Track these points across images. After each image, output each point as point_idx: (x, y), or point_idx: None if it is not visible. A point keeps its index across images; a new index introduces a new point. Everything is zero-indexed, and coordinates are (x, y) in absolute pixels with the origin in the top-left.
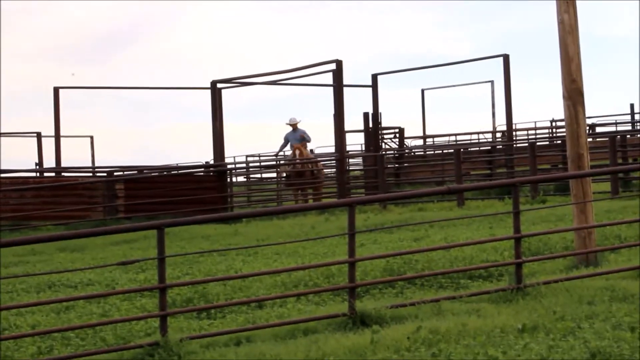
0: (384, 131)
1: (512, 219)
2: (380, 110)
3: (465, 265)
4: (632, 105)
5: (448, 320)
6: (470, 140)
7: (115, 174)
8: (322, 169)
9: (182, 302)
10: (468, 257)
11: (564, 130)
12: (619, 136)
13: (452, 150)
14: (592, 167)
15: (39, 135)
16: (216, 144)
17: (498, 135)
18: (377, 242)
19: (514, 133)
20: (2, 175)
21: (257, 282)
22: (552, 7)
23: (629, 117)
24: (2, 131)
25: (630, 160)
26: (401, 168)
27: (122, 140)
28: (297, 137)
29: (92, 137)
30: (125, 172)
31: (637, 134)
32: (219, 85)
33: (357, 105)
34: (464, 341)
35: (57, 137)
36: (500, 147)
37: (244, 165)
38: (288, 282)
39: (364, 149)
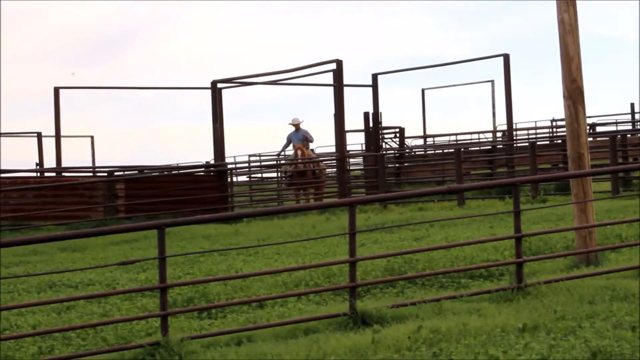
0: (385, 131)
1: (513, 219)
2: (380, 110)
3: (466, 265)
4: (632, 105)
5: (449, 320)
6: (471, 139)
7: (115, 173)
8: (325, 169)
9: (182, 302)
10: (469, 257)
11: (564, 129)
12: (619, 136)
13: (453, 150)
14: (592, 166)
15: (39, 135)
16: (216, 143)
17: (498, 134)
18: (377, 242)
19: (514, 133)
20: (3, 175)
21: (257, 282)
22: (552, 8)
23: (629, 117)
24: (2, 131)
25: (630, 160)
26: (402, 168)
27: (122, 140)
28: (300, 137)
29: (92, 137)
30: (125, 172)
31: (638, 134)
32: (219, 85)
33: (357, 105)
34: (464, 341)
35: (58, 137)
36: (501, 146)
37: (245, 165)
38: (289, 281)
39: (364, 148)
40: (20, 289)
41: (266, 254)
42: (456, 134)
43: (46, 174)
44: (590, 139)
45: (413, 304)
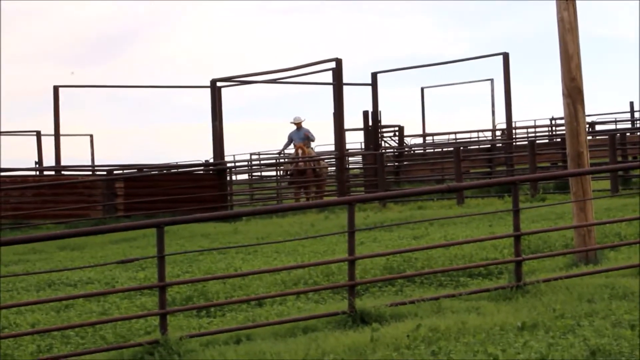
0: (384, 129)
1: (512, 217)
2: (380, 108)
3: (464, 263)
4: (631, 104)
5: (448, 318)
6: (470, 138)
7: (114, 172)
8: (326, 167)
9: (181, 300)
10: (468, 255)
11: (563, 128)
12: (618, 134)
13: (452, 149)
14: (591, 165)
15: (38, 134)
16: (216, 142)
17: (498, 133)
18: (376, 240)
19: (513, 131)
20: (2, 174)
21: (256, 281)
22: (552, 7)
23: (628, 115)
24: (2, 130)
25: (630, 158)
26: (401, 166)
27: (121, 139)
28: (301, 135)
29: (91, 136)
30: (124, 171)
31: (637, 132)
32: (218, 84)
33: (356, 103)
34: (463, 339)
35: (57, 135)
36: (500, 145)
37: (244, 163)
38: (288, 280)
39: (363, 147)
40: (19, 287)
41: (265, 253)
42: (455, 133)
43: (45, 173)
44: (590, 137)
45: (412, 302)
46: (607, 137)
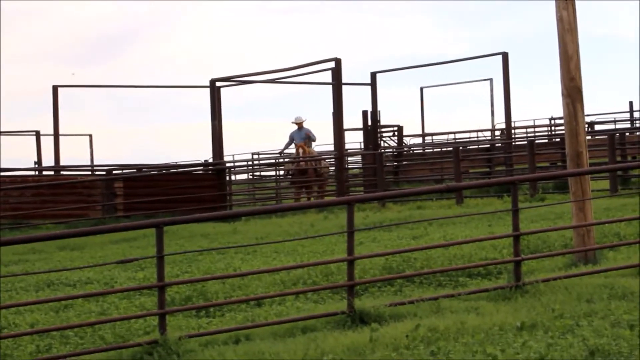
0: (383, 129)
1: (511, 217)
2: (379, 108)
3: (464, 263)
4: (631, 103)
5: (447, 318)
6: (469, 138)
7: (114, 172)
8: (327, 167)
9: (181, 300)
10: (467, 255)
11: (563, 128)
12: (617, 134)
13: (451, 148)
14: (591, 165)
15: (37, 134)
16: (215, 142)
17: (497, 133)
18: (376, 240)
19: (512, 131)
20: (2, 173)
21: (256, 281)
22: (552, 7)
23: (627, 115)
24: (1, 130)
25: (629, 158)
26: (400, 166)
27: (121, 139)
28: (303, 135)
29: (91, 136)
30: (124, 171)
31: (636, 132)
32: (218, 84)
33: (356, 103)
34: (462, 339)
35: (56, 135)
36: (499, 145)
37: (243, 163)
38: (287, 280)
39: (362, 147)
40: (19, 287)
41: (264, 253)
42: (455, 133)
43: (45, 173)
44: (589, 137)
45: (411, 302)
46: (606, 137)
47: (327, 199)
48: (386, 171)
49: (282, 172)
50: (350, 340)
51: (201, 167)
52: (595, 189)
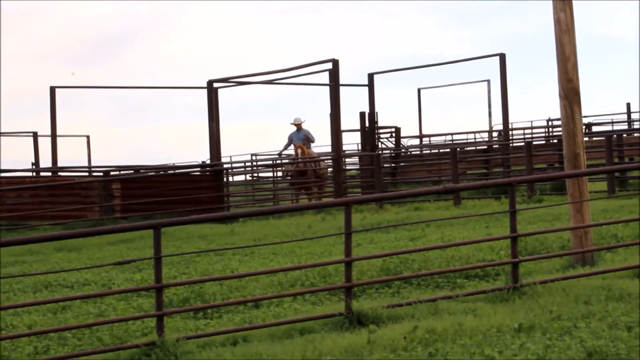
0: (381, 130)
1: (509, 218)
2: (376, 109)
3: (461, 265)
4: (628, 105)
5: (444, 320)
6: (467, 139)
7: (111, 173)
8: (326, 168)
9: (178, 302)
10: (464, 257)
11: (560, 129)
12: (615, 135)
13: (449, 150)
14: (588, 166)
15: (35, 135)
16: (212, 143)
17: (494, 134)
18: (373, 242)
19: (510, 132)
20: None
21: (253, 282)
22: (549, 8)
23: (625, 117)
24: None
25: (626, 160)
26: (397, 167)
27: (118, 140)
28: (302, 137)
29: (88, 137)
30: (121, 172)
31: (634, 133)
32: (215, 85)
33: (353, 104)
34: (460, 341)
35: (54, 136)
36: (497, 146)
37: (240, 164)
38: (284, 281)
39: (360, 148)
40: (16, 288)
41: (262, 254)
42: (452, 134)
43: (42, 174)
44: (586, 138)
45: (409, 304)
46: (603, 138)
47: (324, 200)
48: (384, 172)
49: (281, 173)
50: (348, 341)
51: (198, 169)
52: (592, 191)
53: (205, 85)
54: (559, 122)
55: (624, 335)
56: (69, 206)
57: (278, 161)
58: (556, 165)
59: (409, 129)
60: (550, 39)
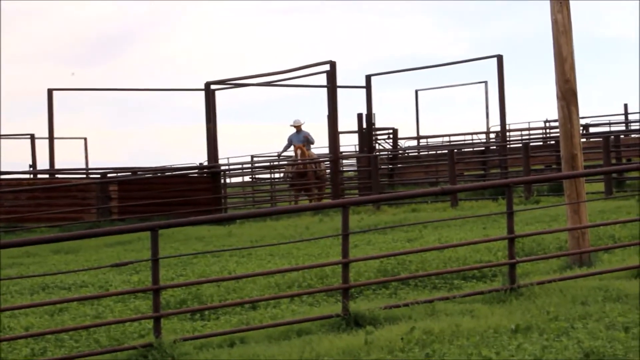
0: (378, 132)
1: (506, 220)
2: (374, 111)
3: (458, 266)
4: (625, 106)
5: (442, 321)
6: (464, 140)
7: (108, 175)
8: (326, 169)
9: (176, 303)
10: (462, 258)
11: (557, 130)
12: (612, 136)
13: (446, 151)
14: (585, 167)
15: (32, 137)
16: (210, 145)
17: (492, 135)
18: (370, 243)
19: (507, 133)
20: None
21: (250, 283)
22: (547, 9)
23: (622, 118)
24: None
25: (624, 161)
26: (395, 169)
27: (115, 142)
28: (301, 138)
29: (85, 139)
30: (118, 174)
31: (631, 134)
32: (212, 87)
33: (350, 106)
34: (457, 342)
35: (51, 138)
36: (494, 147)
37: (238, 166)
38: (282, 283)
39: (357, 149)
40: (13, 290)
41: (259, 256)
42: (449, 135)
43: (39, 176)
44: (584, 139)
45: (406, 305)
46: (601, 139)
47: (322, 201)
48: (381, 174)
49: (281, 175)
50: (345, 343)
51: (196, 170)
52: (590, 192)
53: (202, 87)
54: (557, 123)
55: (622, 336)
56: (66, 208)
57: (275, 163)
58: (554, 166)
59: (406, 131)
60: (547, 40)
